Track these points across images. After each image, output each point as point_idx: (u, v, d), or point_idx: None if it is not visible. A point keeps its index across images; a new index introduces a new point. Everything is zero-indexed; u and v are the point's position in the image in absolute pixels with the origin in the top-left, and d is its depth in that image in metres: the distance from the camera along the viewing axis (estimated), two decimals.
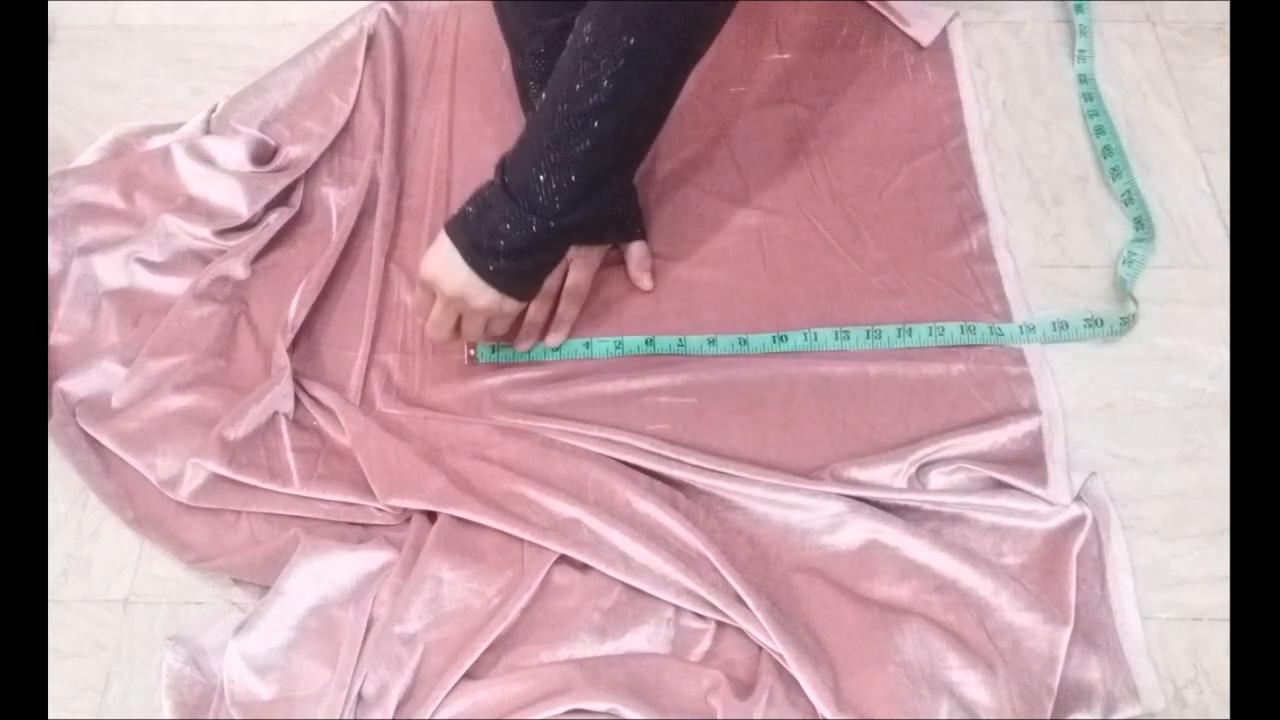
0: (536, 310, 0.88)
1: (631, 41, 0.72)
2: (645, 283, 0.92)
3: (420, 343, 0.91)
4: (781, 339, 0.89)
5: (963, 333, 0.89)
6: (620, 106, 0.74)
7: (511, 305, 0.83)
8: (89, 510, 0.85)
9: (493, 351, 0.90)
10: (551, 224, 0.77)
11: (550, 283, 0.87)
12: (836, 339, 0.89)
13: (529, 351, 0.89)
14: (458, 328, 0.84)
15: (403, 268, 0.95)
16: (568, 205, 0.77)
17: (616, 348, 0.89)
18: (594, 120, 0.74)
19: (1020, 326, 0.89)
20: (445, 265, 0.79)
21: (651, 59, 0.74)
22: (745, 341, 0.89)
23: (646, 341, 0.89)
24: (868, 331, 0.89)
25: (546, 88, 0.76)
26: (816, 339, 0.89)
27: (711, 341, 0.89)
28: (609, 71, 0.72)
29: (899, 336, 0.89)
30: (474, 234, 0.78)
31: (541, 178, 0.76)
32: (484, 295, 0.80)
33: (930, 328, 0.89)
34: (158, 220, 0.94)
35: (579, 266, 0.88)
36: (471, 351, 0.90)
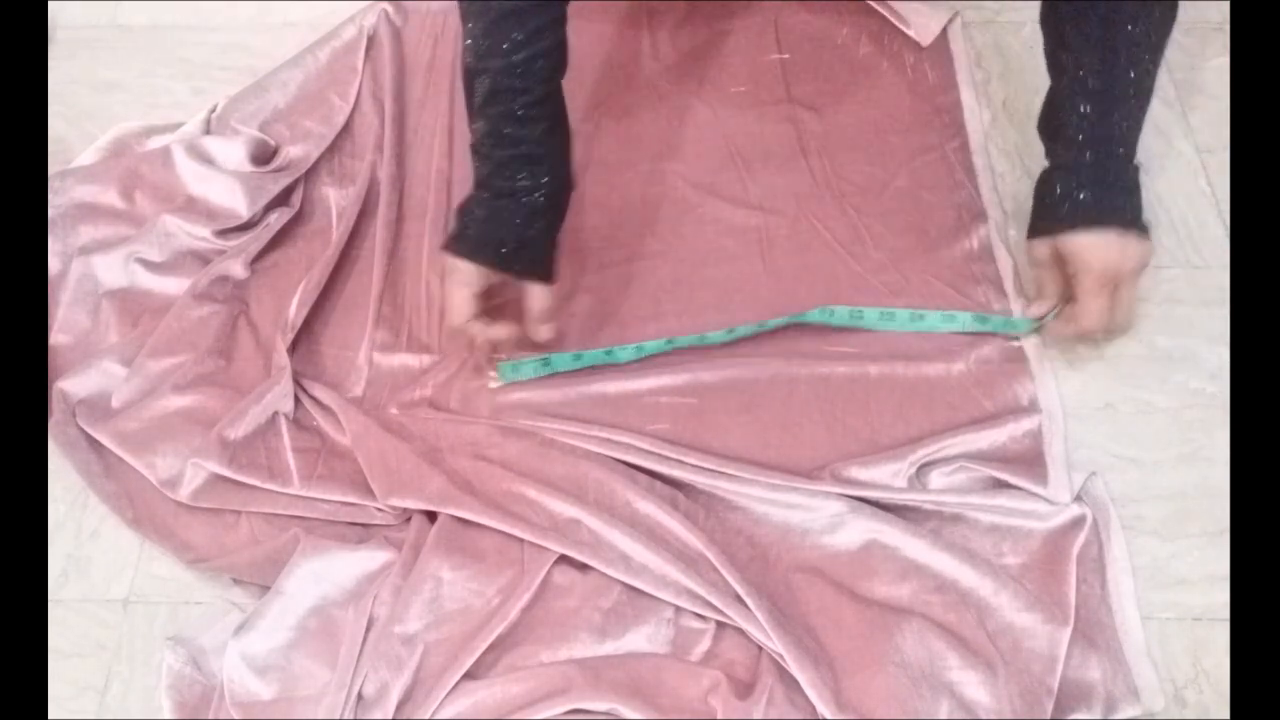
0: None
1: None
2: (543, 333, 0.87)
3: (421, 342, 0.91)
4: (799, 317, 0.89)
5: (975, 321, 0.89)
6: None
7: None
8: (89, 510, 0.85)
9: (513, 370, 0.88)
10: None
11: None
12: (851, 318, 0.89)
13: (549, 363, 0.88)
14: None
15: (404, 268, 0.95)
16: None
17: (638, 353, 0.89)
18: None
19: (1032, 320, 0.89)
20: (1120, 245, 0.82)
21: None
22: (764, 324, 0.89)
23: (667, 342, 0.89)
24: (880, 313, 0.89)
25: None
26: (833, 315, 0.89)
27: (730, 331, 0.89)
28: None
29: (911, 321, 0.89)
30: (1117, 203, 0.83)
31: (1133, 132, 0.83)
32: (1136, 249, 0.83)
33: (943, 315, 0.89)
34: (158, 220, 0.94)
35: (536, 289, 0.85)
36: (494, 372, 0.88)
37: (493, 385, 0.88)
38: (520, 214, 0.82)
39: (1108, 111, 0.81)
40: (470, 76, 0.81)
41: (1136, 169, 0.84)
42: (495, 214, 0.82)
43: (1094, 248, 0.82)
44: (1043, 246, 0.86)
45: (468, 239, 0.82)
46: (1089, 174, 0.82)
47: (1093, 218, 0.82)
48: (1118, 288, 0.84)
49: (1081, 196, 0.82)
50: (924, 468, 0.83)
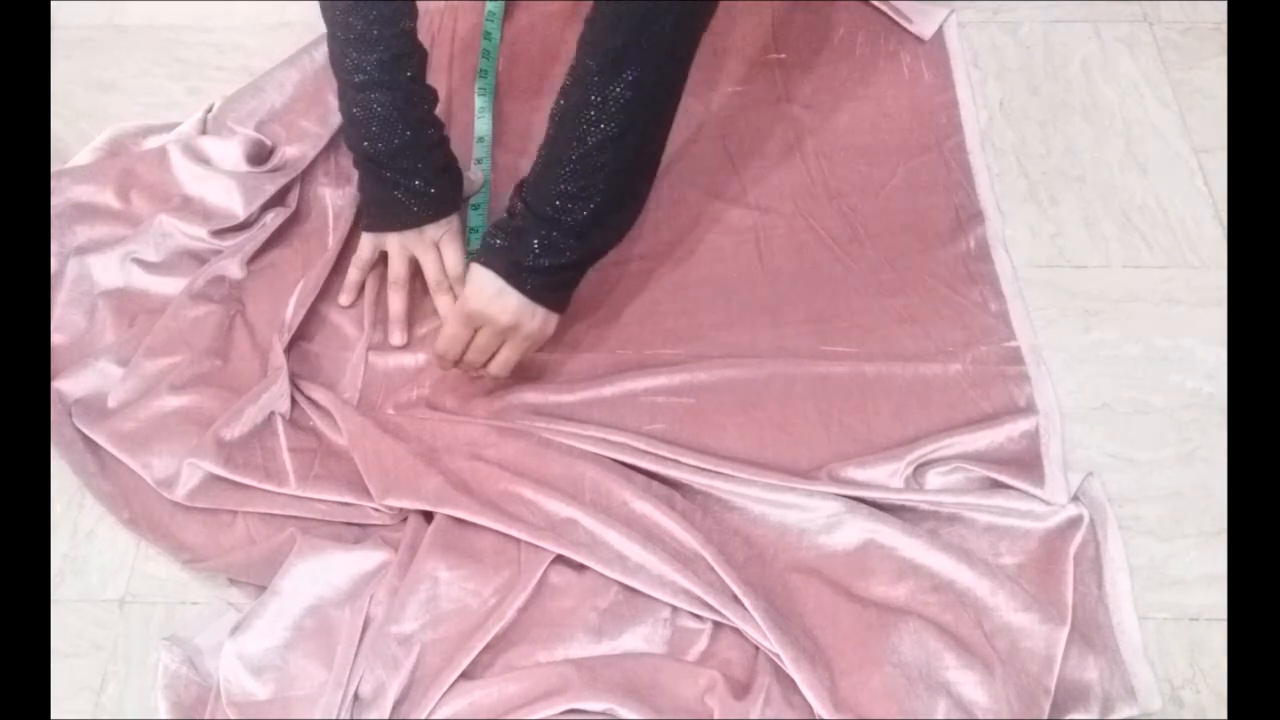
0: (398, 304, 0.91)
1: (632, 75, 0.76)
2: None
3: (417, 342, 0.91)
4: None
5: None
6: (630, 134, 0.79)
7: (553, 324, 0.84)
8: (85, 510, 0.85)
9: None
10: (575, 242, 0.81)
11: (399, 270, 0.90)
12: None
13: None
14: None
15: None
16: (590, 225, 0.81)
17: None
18: (608, 152, 0.78)
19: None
20: (496, 294, 0.80)
21: (653, 86, 0.78)
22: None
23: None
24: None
25: (554, 121, 0.80)
26: None
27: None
28: (616, 105, 0.77)
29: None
30: (513, 257, 0.80)
31: (568, 205, 0.79)
32: (536, 316, 0.82)
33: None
34: (154, 220, 0.94)
35: (452, 247, 0.90)
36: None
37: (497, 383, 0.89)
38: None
39: (548, 170, 0.80)
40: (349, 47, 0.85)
41: (577, 241, 0.81)
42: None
43: (475, 281, 0.81)
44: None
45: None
46: (514, 224, 0.82)
47: (488, 259, 0.81)
48: (503, 340, 0.83)
49: (497, 243, 0.81)
50: (921, 468, 0.83)
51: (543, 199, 0.80)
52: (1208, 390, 0.87)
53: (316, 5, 1.11)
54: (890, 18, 1.10)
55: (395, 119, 0.86)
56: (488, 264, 0.81)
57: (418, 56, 0.87)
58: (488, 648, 0.75)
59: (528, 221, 0.80)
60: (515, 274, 0.80)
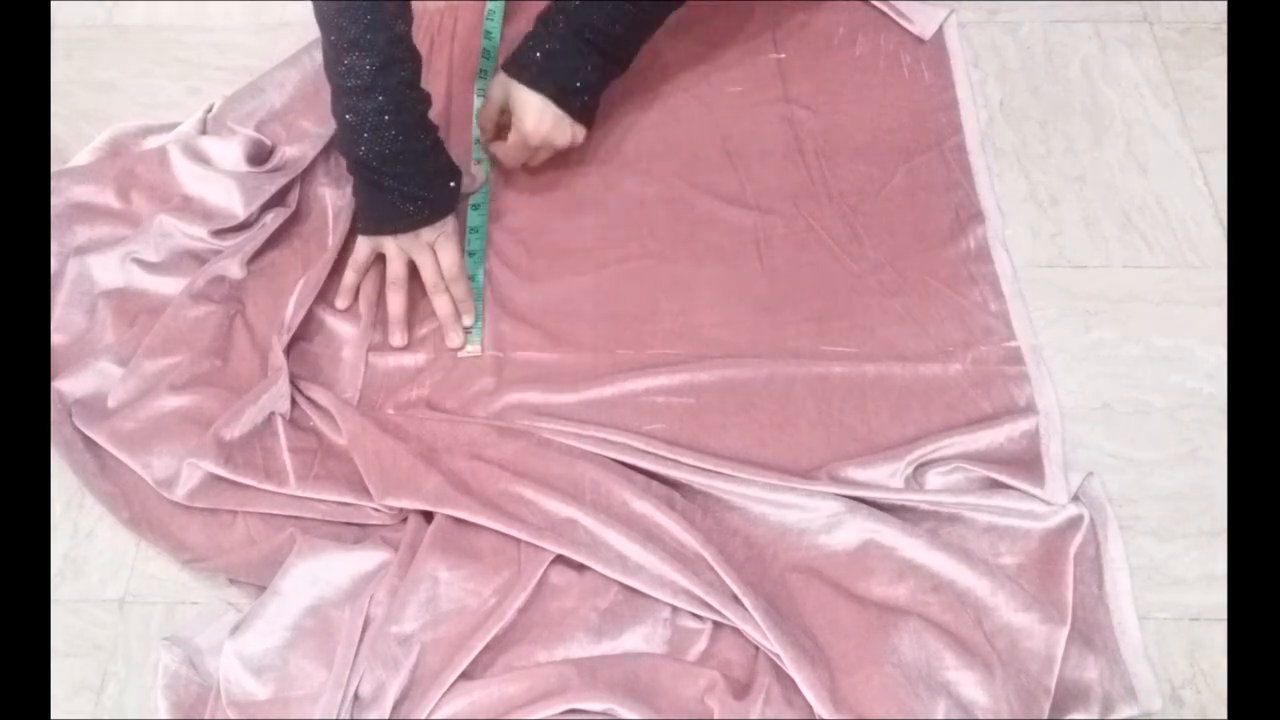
0: (397, 305, 0.91)
1: None
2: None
3: (417, 342, 0.91)
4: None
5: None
6: None
7: (582, 134, 0.96)
8: (85, 510, 0.85)
9: (475, 334, 0.92)
10: (616, 69, 0.96)
11: (398, 272, 0.91)
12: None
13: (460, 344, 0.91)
14: None
15: None
16: (626, 51, 0.95)
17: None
18: None
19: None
20: (554, 123, 0.93)
21: None
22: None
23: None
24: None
25: None
26: None
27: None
28: None
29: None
30: (558, 79, 0.92)
31: (610, 33, 0.92)
32: (569, 131, 0.94)
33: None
34: (154, 220, 0.94)
35: (447, 248, 0.91)
36: (471, 346, 0.91)
37: (469, 353, 0.91)
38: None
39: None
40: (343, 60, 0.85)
41: (600, 58, 0.92)
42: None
43: (532, 110, 0.92)
44: (501, 85, 0.94)
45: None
46: (555, 40, 0.91)
47: (539, 83, 0.91)
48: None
49: (538, 55, 0.91)
50: (921, 468, 0.83)
51: (587, 26, 0.90)
52: (1208, 390, 0.87)
53: None
54: (890, 18, 1.10)
55: (387, 124, 0.86)
56: (539, 89, 0.91)
57: (412, 61, 0.87)
58: (488, 648, 0.75)
59: (570, 46, 0.91)
60: (564, 98, 0.92)
